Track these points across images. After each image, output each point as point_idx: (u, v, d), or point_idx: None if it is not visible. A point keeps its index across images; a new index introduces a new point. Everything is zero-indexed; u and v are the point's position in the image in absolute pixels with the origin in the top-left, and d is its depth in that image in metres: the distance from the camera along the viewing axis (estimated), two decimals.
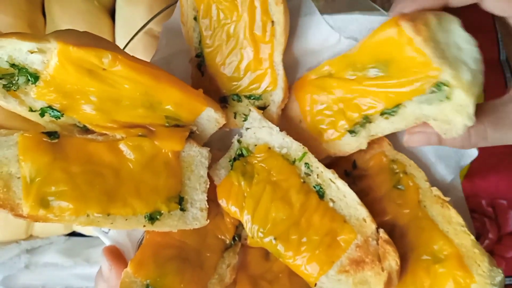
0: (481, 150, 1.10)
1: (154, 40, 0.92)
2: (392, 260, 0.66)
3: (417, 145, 0.73)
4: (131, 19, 0.97)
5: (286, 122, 0.80)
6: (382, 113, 0.70)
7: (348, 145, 0.75)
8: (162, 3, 0.96)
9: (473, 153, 0.75)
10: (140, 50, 0.90)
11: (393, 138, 0.78)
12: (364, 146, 0.74)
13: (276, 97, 0.77)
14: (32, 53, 0.63)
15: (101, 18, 1.00)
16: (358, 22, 0.77)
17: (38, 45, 0.63)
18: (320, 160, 0.74)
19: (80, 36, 0.66)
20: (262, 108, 0.79)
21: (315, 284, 0.70)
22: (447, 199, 0.70)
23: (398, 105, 0.68)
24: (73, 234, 1.15)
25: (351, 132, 0.74)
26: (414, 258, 0.69)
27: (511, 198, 1.07)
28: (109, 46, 0.67)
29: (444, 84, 0.61)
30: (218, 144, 0.86)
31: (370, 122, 0.72)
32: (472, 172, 1.14)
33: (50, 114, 0.69)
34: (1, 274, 1.08)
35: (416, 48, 0.60)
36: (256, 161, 0.77)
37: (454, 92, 0.61)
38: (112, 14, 1.03)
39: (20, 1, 0.98)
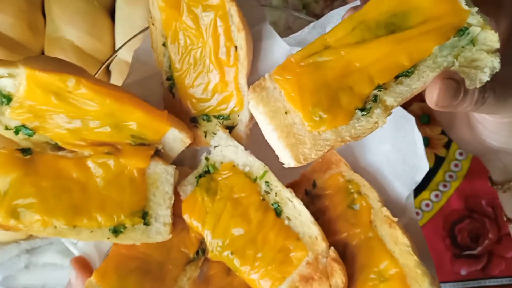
0: None
1: None
2: (338, 278, 0.69)
3: (446, 101, 0.60)
4: (131, 19, 0.99)
5: (267, 115, 0.66)
6: (395, 77, 0.62)
7: (361, 127, 0.63)
8: None
9: (425, 167, 0.75)
10: None
11: (351, 158, 0.81)
12: (382, 123, 0.63)
13: (243, 117, 0.81)
14: (1, 77, 0.69)
15: (101, 18, 1.02)
16: (315, 30, 0.80)
17: (7, 71, 0.69)
18: (284, 181, 0.77)
19: (47, 62, 0.72)
20: (231, 128, 0.83)
21: None
22: (395, 219, 0.72)
23: (413, 65, 0.62)
24: None
25: (362, 110, 0.63)
26: (362, 278, 0.71)
27: None
28: (75, 71, 0.73)
29: (468, 28, 0.60)
30: (191, 162, 0.90)
31: (385, 89, 0.63)
32: (472, 172, 1.14)
33: (23, 132, 0.75)
34: (0, 274, 1.10)
35: None
36: (220, 178, 0.80)
37: (480, 36, 0.60)
38: (112, 14, 1.05)
39: (20, 1, 1.01)
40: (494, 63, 0.60)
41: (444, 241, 1.14)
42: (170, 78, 0.83)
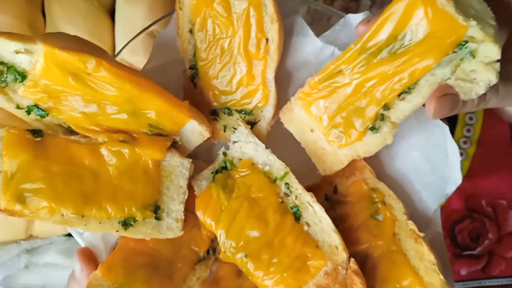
0: (481, 150, 1.09)
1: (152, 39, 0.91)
2: None
3: (443, 114, 0.65)
4: (131, 19, 0.97)
5: (296, 134, 0.78)
6: (398, 95, 0.68)
7: (373, 143, 0.71)
8: (162, 4, 0.96)
9: (457, 179, 0.72)
10: (141, 51, 0.91)
11: (376, 166, 0.77)
12: (390, 140, 0.70)
13: (267, 113, 0.77)
14: (18, 53, 0.65)
15: (101, 18, 1.00)
16: (347, 29, 0.77)
17: (25, 46, 0.65)
18: (303, 183, 0.74)
19: (68, 40, 0.68)
20: (253, 123, 0.79)
21: None
22: (422, 234, 0.68)
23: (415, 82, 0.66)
24: None
25: (373, 129, 0.71)
26: None
27: (511, 198, 1.07)
28: (96, 51, 0.68)
29: (467, 41, 0.61)
30: (206, 156, 0.86)
31: (388, 109, 0.69)
32: (472, 172, 1.14)
33: (36, 112, 0.71)
34: (1, 274, 1.09)
35: (439, 9, 0.60)
36: (238, 176, 0.77)
37: (480, 48, 0.60)
38: (112, 14, 1.03)
39: (20, 1, 0.99)
40: (490, 77, 0.61)
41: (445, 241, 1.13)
42: (193, 67, 0.78)
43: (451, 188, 0.72)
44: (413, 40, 0.65)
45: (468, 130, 1.14)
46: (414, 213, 0.73)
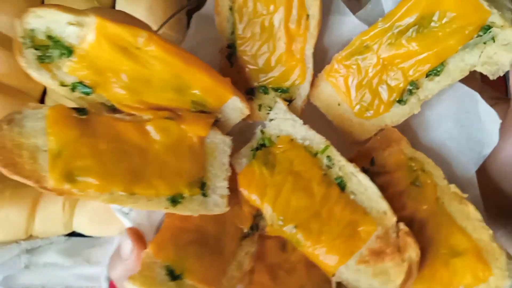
0: None
1: None
2: (413, 252, 0.67)
3: None
4: None
5: (322, 109, 0.82)
6: (426, 75, 0.73)
7: (400, 114, 0.77)
8: (162, 4, 0.97)
9: (494, 141, 0.76)
10: None
11: (412, 136, 0.81)
12: (417, 110, 0.76)
13: (303, 90, 0.79)
14: (70, 25, 0.64)
15: None
16: (378, 8, 0.80)
17: (77, 18, 0.64)
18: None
19: (117, 14, 0.67)
20: (288, 101, 0.81)
21: (333, 274, 0.71)
22: (465, 195, 0.72)
23: (442, 63, 0.71)
24: (73, 234, 1.13)
25: (400, 101, 0.76)
26: (432, 252, 0.70)
27: None
28: (144, 26, 0.68)
29: (490, 27, 0.67)
30: (238, 137, 0.86)
31: (417, 87, 0.74)
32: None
33: (80, 90, 0.69)
34: (1, 274, 1.06)
35: None
36: (278, 152, 0.78)
37: (501, 32, 0.67)
38: None
39: (20, 1, 0.98)
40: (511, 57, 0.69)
41: None
42: (231, 46, 0.79)
43: (487, 150, 0.76)
44: (440, 22, 0.70)
45: None
46: (453, 177, 0.77)
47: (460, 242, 0.69)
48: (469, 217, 0.70)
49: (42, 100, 1.04)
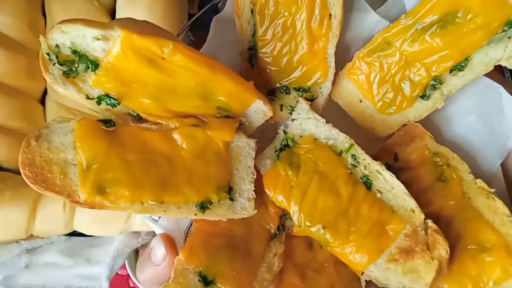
0: None
1: None
2: (442, 249, 0.68)
3: None
4: None
5: (344, 106, 0.82)
6: (450, 70, 0.73)
7: (423, 109, 0.77)
8: (162, 4, 0.96)
9: None
10: None
11: (435, 131, 0.81)
12: (441, 104, 0.76)
13: (325, 89, 0.79)
14: (97, 40, 0.63)
15: (102, 18, 0.99)
16: (398, 3, 0.80)
17: (103, 32, 0.63)
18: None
19: (141, 25, 0.67)
20: (310, 100, 0.81)
21: (363, 273, 0.72)
22: (492, 190, 0.72)
23: (466, 58, 0.72)
24: (73, 234, 1.13)
25: (423, 96, 0.76)
26: (460, 248, 0.72)
27: None
28: (169, 35, 0.68)
29: None
30: (259, 137, 0.87)
31: (441, 83, 0.75)
32: None
33: (106, 102, 0.69)
34: (1, 274, 1.06)
35: None
36: (302, 152, 0.78)
37: None
38: (112, 14, 1.03)
39: (20, 1, 0.97)
40: None
41: None
42: (251, 48, 0.79)
43: (511, 143, 0.76)
44: (465, 18, 0.70)
45: None
46: (478, 172, 0.77)
47: (488, 237, 0.70)
48: (497, 211, 0.71)
49: (42, 100, 1.05)
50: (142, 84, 0.69)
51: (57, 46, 0.64)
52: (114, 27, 0.63)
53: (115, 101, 0.69)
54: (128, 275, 1.08)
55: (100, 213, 1.00)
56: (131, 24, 0.65)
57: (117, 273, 1.04)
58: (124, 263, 0.99)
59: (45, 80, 0.95)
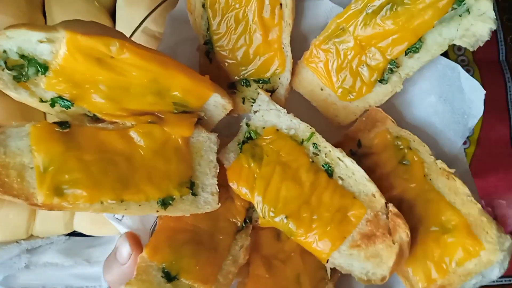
0: (480, 150, 1.11)
1: (151, 40, 0.92)
2: (403, 232, 0.68)
3: None
4: (131, 20, 0.96)
5: (306, 95, 0.82)
6: (405, 53, 0.73)
7: (383, 93, 0.77)
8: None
9: (479, 112, 0.76)
10: None
11: (397, 115, 0.80)
12: (400, 87, 0.76)
13: (285, 79, 0.79)
14: (41, 42, 0.64)
15: (101, 19, 1.00)
16: None
17: (47, 35, 0.64)
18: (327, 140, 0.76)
19: (87, 26, 0.67)
20: (271, 92, 0.81)
21: (327, 260, 0.72)
22: (452, 170, 0.72)
23: (420, 39, 0.72)
24: (73, 234, 1.14)
25: (381, 81, 0.76)
26: (423, 230, 0.71)
27: (510, 198, 1.08)
28: (116, 34, 0.68)
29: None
30: (225, 131, 0.87)
31: (397, 66, 0.75)
32: (471, 172, 1.16)
33: (60, 104, 0.70)
34: (1, 274, 1.07)
35: None
36: (264, 143, 0.78)
37: (475, 3, 0.68)
38: (112, 14, 1.03)
39: (20, 1, 0.98)
40: (489, 26, 0.68)
41: None
42: (207, 42, 0.79)
43: (473, 121, 0.76)
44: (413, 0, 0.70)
45: None
46: (441, 153, 0.77)
47: (450, 218, 0.70)
48: (458, 192, 0.71)
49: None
50: (94, 84, 0.69)
51: (4, 51, 0.64)
52: (57, 29, 0.64)
53: (69, 103, 0.70)
54: None
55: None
56: (76, 25, 0.65)
57: None
58: None
59: None
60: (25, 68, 0.66)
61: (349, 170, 0.74)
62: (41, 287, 1.10)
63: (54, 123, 0.69)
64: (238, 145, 0.80)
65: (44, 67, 0.66)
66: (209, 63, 0.80)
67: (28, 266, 1.09)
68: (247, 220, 0.80)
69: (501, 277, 1.13)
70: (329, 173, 0.75)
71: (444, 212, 0.70)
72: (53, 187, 0.67)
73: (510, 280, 1.14)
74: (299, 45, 0.81)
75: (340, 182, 0.74)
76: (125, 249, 0.73)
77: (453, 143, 0.78)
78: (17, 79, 0.67)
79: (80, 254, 1.12)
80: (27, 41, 0.64)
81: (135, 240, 0.74)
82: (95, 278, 1.07)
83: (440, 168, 0.73)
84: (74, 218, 1.10)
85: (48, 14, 1.01)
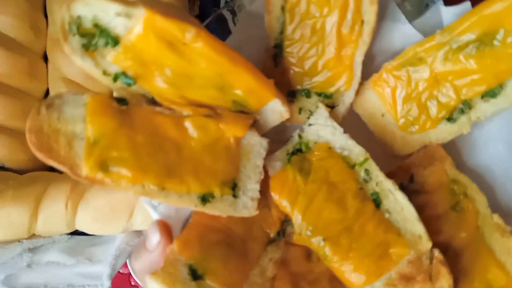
0: None
1: None
2: (445, 283, 0.65)
3: None
4: None
5: (365, 118, 0.79)
6: (482, 96, 0.70)
7: (447, 132, 0.74)
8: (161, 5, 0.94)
9: None
10: None
11: (456, 157, 0.77)
12: (467, 130, 0.73)
13: (348, 98, 0.76)
14: (118, 16, 0.63)
15: None
16: (436, 17, 0.76)
17: (126, 9, 0.63)
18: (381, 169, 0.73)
19: (167, 7, 0.66)
20: (330, 107, 0.78)
21: None
22: (509, 228, 0.68)
23: (500, 84, 0.68)
24: (76, 233, 1.11)
25: (449, 119, 0.73)
26: (465, 284, 0.68)
27: None
28: (193, 21, 0.67)
29: None
30: (273, 137, 0.84)
31: (470, 108, 0.71)
32: None
33: (123, 80, 0.69)
34: (3, 273, 1.04)
35: None
36: (314, 159, 0.76)
37: None
38: None
39: (22, 2, 0.97)
40: None
41: None
42: (278, 46, 0.77)
43: None
44: (504, 41, 0.67)
45: None
46: (497, 206, 0.73)
47: (497, 278, 0.66)
48: (510, 252, 0.67)
49: None
50: (160, 67, 0.67)
51: (78, 17, 0.63)
52: (138, 5, 0.62)
53: (131, 81, 0.68)
54: (130, 273, 1.08)
55: (103, 212, 1.00)
56: (156, 4, 0.64)
57: (118, 272, 1.03)
58: (126, 261, 1.00)
59: (47, 81, 0.97)
60: (96, 37, 0.65)
61: (398, 204, 0.71)
62: (43, 286, 1.06)
63: (113, 98, 0.68)
64: (286, 155, 0.77)
65: (115, 41, 0.65)
66: (274, 67, 0.78)
67: (30, 265, 1.06)
68: (280, 233, 0.77)
69: None
70: (377, 203, 0.72)
71: (492, 270, 0.66)
72: (99, 161, 0.65)
73: None
74: (366, 65, 0.78)
75: (387, 215, 0.71)
76: (155, 237, 0.71)
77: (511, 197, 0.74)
78: (85, 47, 0.66)
79: (82, 253, 1.09)
80: (105, 11, 0.63)
81: (166, 229, 0.72)
82: (97, 276, 1.05)
83: (495, 223, 0.69)
84: (76, 217, 1.09)
85: (49, 14, 1.00)
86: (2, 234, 1.05)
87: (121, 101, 0.68)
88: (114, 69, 0.68)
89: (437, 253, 0.67)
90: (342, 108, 0.78)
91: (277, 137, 0.84)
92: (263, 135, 0.79)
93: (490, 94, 0.70)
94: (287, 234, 0.78)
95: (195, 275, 0.69)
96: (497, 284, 0.65)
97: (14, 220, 1.04)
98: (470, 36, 0.69)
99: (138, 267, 0.75)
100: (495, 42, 0.68)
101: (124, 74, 0.68)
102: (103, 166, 0.66)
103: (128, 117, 0.68)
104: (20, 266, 1.05)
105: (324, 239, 0.71)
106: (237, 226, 0.75)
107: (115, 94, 0.69)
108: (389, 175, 0.78)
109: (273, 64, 0.78)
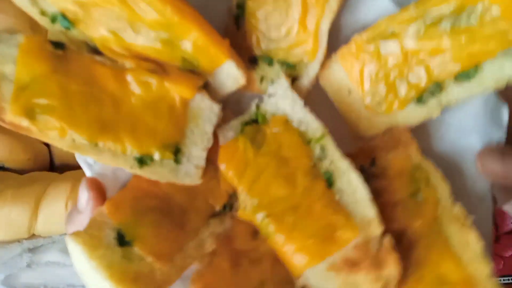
0: None
1: None
2: (393, 270, 0.58)
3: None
4: None
5: (330, 94, 0.73)
6: (455, 77, 0.64)
7: (415, 115, 0.68)
8: None
9: None
10: None
11: (424, 142, 0.70)
12: (436, 114, 0.67)
13: (311, 70, 0.70)
14: None
15: None
16: None
17: None
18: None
19: None
20: (293, 79, 0.72)
21: (299, 276, 0.63)
22: (469, 221, 0.61)
23: (475, 67, 0.62)
24: None
25: (419, 101, 0.67)
26: (416, 276, 0.61)
27: None
28: None
29: None
30: (234, 107, 0.79)
31: (441, 90, 0.65)
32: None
33: (61, 23, 0.64)
34: (3, 273, 1.07)
35: None
36: (269, 131, 0.70)
37: None
38: None
39: None
40: None
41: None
42: (240, 6, 0.71)
43: None
44: (482, 19, 0.61)
45: None
46: (464, 194, 0.66)
47: (450, 272, 0.59)
48: (468, 246, 0.60)
49: None
50: (102, 11, 0.62)
51: None
52: None
53: (69, 24, 0.63)
54: None
55: None
56: None
57: None
58: None
59: None
60: None
61: (351, 186, 0.65)
62: (43, 286, 1.09)
63: (50, 41, 0.63)
64: (240, 124, 0.71)
65: None
66: (236, 29, 0.72)
67: (30, 265, 1.09)
68: (226, 207, 0.71)
69: (499, 276, 1.11)
70: (329, 183, 0.66)
71: (446, 263, 0.60)
72: (26, 107, 0.60)
73: (509, 280, 1.13)
74: (335, 38, 0.72)
75: (337, 196, 0.65)
76: (84, 196, 0.65)
77: (481, 185, 0.68)
78: None
79: None
80: None
81: (98, 188, 0.66)
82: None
83: (455, 214, 0.62)
84: None
85: None
86: (2, 234, 1.07)
87: (59, 45, 0.63)
88: (52, 9, 0.63)
89: (387, 239, 0.61)
90: (306, 81, 0.72)
91: (239, 108, 0.79)
92: (224, 104, 0.73)
93: (464, 76, 0.64)
94: (234, 209, 0.72)
95: (122, 240, 0.63)
96: (449, 278, 0.59)
97: (14, 220, 1.06)
98: (445, 8, 0.63)
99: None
100: (472, 20, 0.62)
101: (62, 15, 0.63)
102: (30, 113, 0.61)
103: (64, 63, 0.63)
104: (20, 266, 1.08)
105: (267, 215, 0.65)
106: (178, 194, 0.69)
107: (52, 37, 0.64)
108: (350, 156, 0.71)
109: (235, 26, 0.73)
